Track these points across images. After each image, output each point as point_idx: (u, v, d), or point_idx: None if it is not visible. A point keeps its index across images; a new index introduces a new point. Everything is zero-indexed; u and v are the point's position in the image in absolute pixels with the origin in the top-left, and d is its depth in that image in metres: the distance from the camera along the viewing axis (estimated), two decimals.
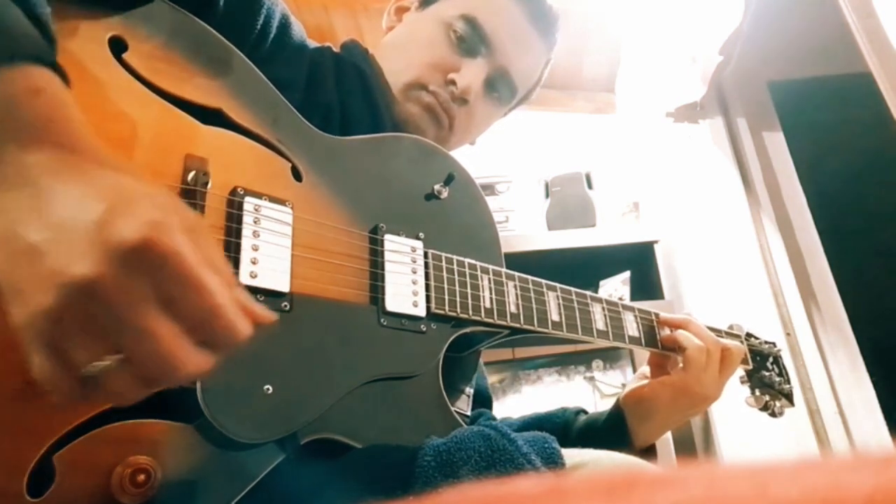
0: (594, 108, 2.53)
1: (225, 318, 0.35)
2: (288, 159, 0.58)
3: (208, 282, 0.35)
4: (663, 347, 0.80)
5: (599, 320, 0.75)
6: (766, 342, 0.96)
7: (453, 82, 0.77)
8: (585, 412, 0.86)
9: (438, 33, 0.79)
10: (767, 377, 0.90)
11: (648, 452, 0.81)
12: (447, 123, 0.80)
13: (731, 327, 0.92)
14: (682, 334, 0.77)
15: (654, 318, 0.82)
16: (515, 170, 2.20)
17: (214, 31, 0.57)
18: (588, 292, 0.77)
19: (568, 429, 0.83)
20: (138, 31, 0.51)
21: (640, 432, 0.79)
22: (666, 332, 0.80)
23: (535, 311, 0.70)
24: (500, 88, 0.83)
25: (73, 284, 0.32)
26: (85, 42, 0.48)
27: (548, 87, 2.50)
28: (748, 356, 0.90)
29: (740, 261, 1.50)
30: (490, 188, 2.11)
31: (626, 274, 1.88)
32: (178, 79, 0.52)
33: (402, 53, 0.81)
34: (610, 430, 0.79)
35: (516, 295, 0.69)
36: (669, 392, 0.77)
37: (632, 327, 0.78)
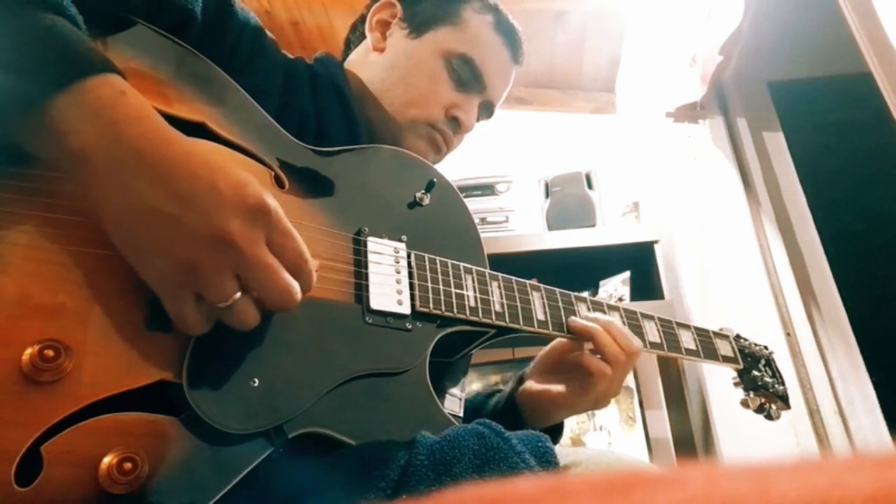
0: (594, 108, 2.53)
1: (309, 259, 0.49)
2: (270, 168, 0.60)
3: (296, 232, 0.48)
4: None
5: None
6: (756, 344, 0.96)
7: (456, 119, 0.85)
8: (500, 391, 0.87)
9: (439, 68, 0.85)
10: (759, 378, 0.90)
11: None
12: (445, 151, 0.88)
13: (721, 329, 0.93)
14: (589, 362, 0.74)
15: (638, 316, 0.82)
16: (515, 170, 2.20)
17: (194, 50, 0.59)
18: (572, 293, 0.77)
19: (477, 412, 0.84)
20: (122, 54, 0.54)
21: (534, 424, 0.79)
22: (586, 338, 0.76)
23: (520, 309, 0.71)
24: (482, 116, 0.93)
25: (216, 238, 0.44)
26: None
27: (548, 87, 2.51)
28: (738, 356, 0.90)
29: (740, 261, 1.50)
30: (490, 188, 2.11)
31: (626, 274, 1.88)
32: (161, 96, 0.55)
33: (405, 85, 0.85)
34: (506, 420, 0.79)
35: (501, 294, 0.70)
36: (567, 407, 0.77)
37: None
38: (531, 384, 0.81)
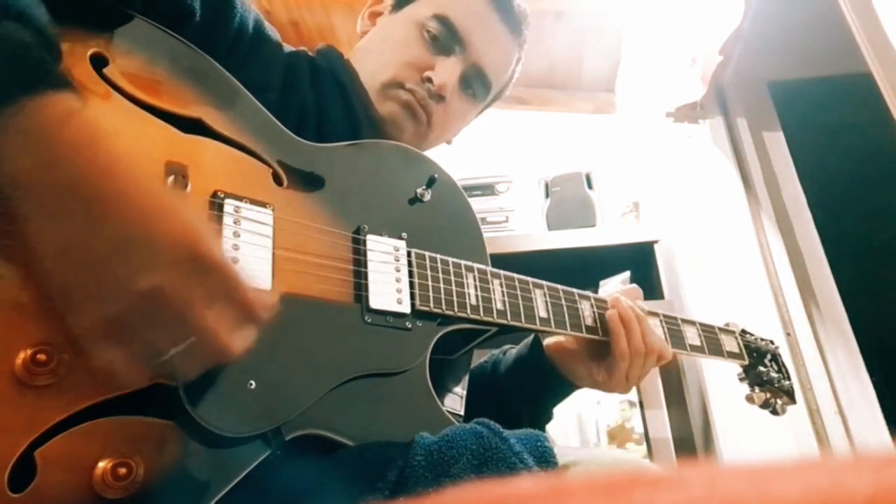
0: (594, 108, 2.53)
1: (255, 307, 0.44)
2: (269, 165, 0.59)
3: (243, 279, 0.44)
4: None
5: (588, 317, 0.76)
6: (762, 339, 0.96)
7: (429, 80, 0.79)
8: (513, 347, 0.90)
9: (412, 34, 0.81)
10: (765, 373, 0.90)
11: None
12: (425, 120, 0.81)
13: (726, 324, 0.92)
14: (620, 350, 0.76)
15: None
16: (515, 170, 2.20)
17: (192, 45, 0.58)
18: (575, 290, 0.77)
19: (497, 365, 0.87)
20: (118, 48, 0.53)
21: (563, 371, 0.82)
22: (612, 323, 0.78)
23: (521, 307, 0.70)
24: (475, 85, 0.85)
25: (146, 293, 0.39)
26: (67, 58, 0.49)
27: (548, 87, 2.51)
28: (744, 351, 0.90)
29: (740, 261, 1.50)
30: (490, 188, 2.11)
31: (626, 274, 1.88)
32: (158, 91, 0.54)
33: (377, 55, 0.83)
34: (533, 363, 0.83)
35: (502, 292, 0.70)
36: (588, 380, 0.80)
37: None
38: (558, 337, 0.83)
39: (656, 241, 1.84)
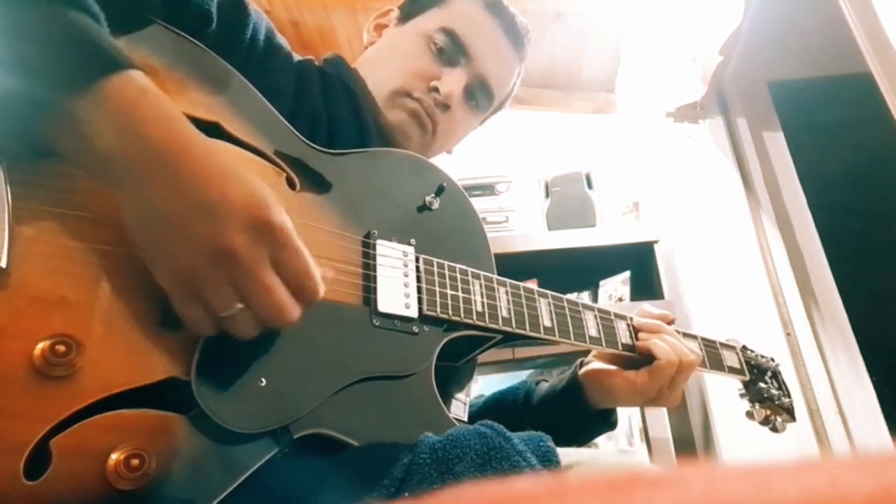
0: (594, 108, 2.53)
1: (314, 278, 0.48)
2: (283, 169, 0.60)
3: (305, 249, 0.48)
4: (639, 353, 0.80)
5: (592, 327, 0.77)
6: (762, 356, 0.96)
7: (436, 89, 0.82)
8: (546, 380, 0.89)
9: (419, 45, 0.84)
10: (765, 390, 0.90)
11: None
12: (431, 128, 0.84)
13: (728, 339, 0.92)
14: (656, 346, 0.78)
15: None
16: (515, 170, 2.20)
17: (210, 51, 0.60)
18: (580, 301, 0.78)
19: (529, 396, 0.87)
20: (138, 52, 0.54)
21: (597, 403, 0.83)
22: (642, 335, 0.80)
23: (526, 315, 0.71)
24: (478, 96, 0.88)
25: (219, 250, 0.44)
26: None
27: (548, 87, 2.51)
28: (745, 367, 0.90)
29: (740, 261, 1.50)
30: (490, 188, 2.11)
31: (626, 274, 1.88)
32: (176, 94, 0.55)
33: (385, 65, 0.85)
34: (568, 399, 0.84)
35: (508, 300, 0.70)
36: (630, 390, 0.79)
37: (624, 335, 0.79)
38: (595, 364, 0.84)
39: (656, 241, 1.84)
